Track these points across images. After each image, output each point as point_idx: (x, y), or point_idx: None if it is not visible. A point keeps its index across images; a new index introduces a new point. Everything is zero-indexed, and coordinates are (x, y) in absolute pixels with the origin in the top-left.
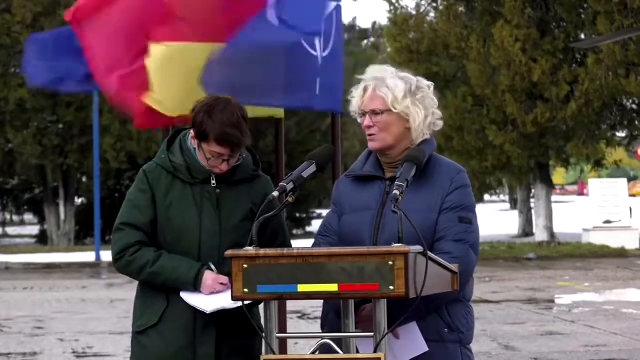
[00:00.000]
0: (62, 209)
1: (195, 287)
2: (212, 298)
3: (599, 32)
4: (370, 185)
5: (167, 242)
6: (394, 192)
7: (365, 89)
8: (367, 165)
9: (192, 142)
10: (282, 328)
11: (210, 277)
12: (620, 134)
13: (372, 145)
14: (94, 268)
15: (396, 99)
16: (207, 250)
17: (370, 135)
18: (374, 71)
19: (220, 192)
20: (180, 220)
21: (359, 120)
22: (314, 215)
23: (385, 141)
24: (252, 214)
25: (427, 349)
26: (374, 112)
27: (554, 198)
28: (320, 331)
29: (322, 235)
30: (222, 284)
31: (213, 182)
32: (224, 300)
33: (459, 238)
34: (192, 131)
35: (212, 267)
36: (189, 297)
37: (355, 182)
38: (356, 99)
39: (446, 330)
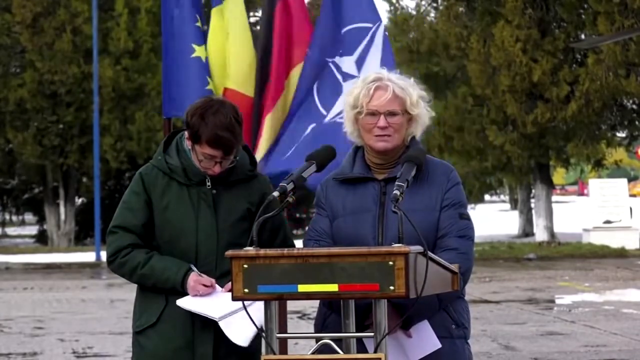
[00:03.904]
0: (62, 209)
1: (183, 288)
2: (214, 303)
3: (599, 32)
4: (363, 187)
5: (164, 243)
6: (394, 192)
7: (377, 88)
8: (356, 167)
9: (187, 145)
10: (283, 328)
11: (192, 278)
12: (621, 134)
13: (382, 145)
14: (94, 268)
15: (413, 102)
16: (205, 251)
17: (383, 135)
18: (371, 73)
19: (216, 192)
20: (177, 222)
21: (362, 118)
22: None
23: (397, 142)
24: (249, 213)
25: (440, 346)
26: (392, 114)
27: (554, 198)
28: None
29: (315, 240)
30: (205, 285)
31: (208, 183)
32: (227, 305)
33: (462, 234)
34: (186, 132)
35: (194, 268)
36: (190, 305)
37: (344, 184)
38: (361, 97)
39: (453, 326)
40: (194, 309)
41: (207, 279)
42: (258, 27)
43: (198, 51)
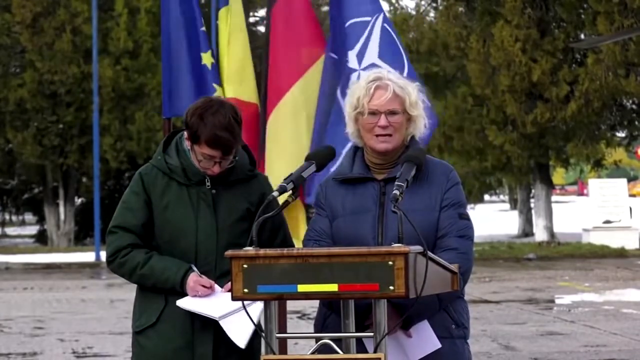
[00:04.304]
0: (61, 209)
1: (182, 289)
2: (214, 303)
3: (598, 32)
4: (363, 187)
5: (164, 243)
6: (394, 192)
7: (377, 88)
8: (355, 167)
9: (186, 144)
10: (282, 328)
11: (192, 279)
12: (620, 134)
13: (384, 146)
14: (93, 268)
15: (412, 101)
16: (204, 250)
17: (384, 135)
18: (371, 72)
19: (216, 192)
20: (177, 221)
21: (362, 118)
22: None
23: (397, 142)
24: (248, 213)
25: (440, 346)
26: (392, 113)
27: (553, 198)
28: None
29: (315, 240)
30: (204, 286)
31: (207, 183)
32: (227, 304)
33: (462, 234)
34: (186, 132)
35: (194, 268)
36: (190, 305)
37: (343, 185)
38: (361, 97)
39: (453, 326)
40: (194, 309)
41: (207, 280)
42: (259, 27)
43: (204, 58)
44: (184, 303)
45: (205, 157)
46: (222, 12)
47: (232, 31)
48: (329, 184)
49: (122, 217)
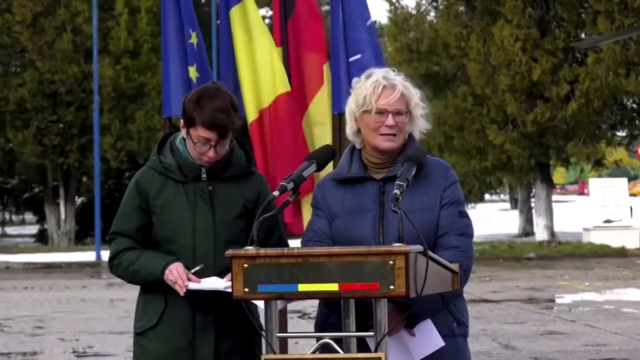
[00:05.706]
0: (62, 208)
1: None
2: (218, 281)
3: (599, 31)
4: (361, 187)
5: (163, 242)
6: (395, 191)
7: (385, 87)
8: (353, 167)
9: (182, 133)
10: (283, 327)
11: (168, 268)
12: (621, 134)
13: (388, 145)
14: (94, 268)
15: (416, 102)
16: (202, 248)
17: (390, 134)
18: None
19: (212, 189)
20: (174, 220)
21: (368, 116)
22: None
23: (400, 141)
24: (245, 210)
25: (443, 344)
26: (399, 113)
27: (554, 197)
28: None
29: (315, 241)
30: (178, 272)
31: (204, 176)
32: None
33: (462, 232)
34: (182, 120)
35: (173, 260)
36: (198, 286)
37: (341, 185)
38: (368, 95)
39: (455, 324)
40: (200, 287)
41: (181, 269)
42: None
43: (191, 72)
44: (191, 285)
45: (200, 140)
46: (235, 10)
47: (253, 28)
48: (326, 184)
49: (119, 222)
